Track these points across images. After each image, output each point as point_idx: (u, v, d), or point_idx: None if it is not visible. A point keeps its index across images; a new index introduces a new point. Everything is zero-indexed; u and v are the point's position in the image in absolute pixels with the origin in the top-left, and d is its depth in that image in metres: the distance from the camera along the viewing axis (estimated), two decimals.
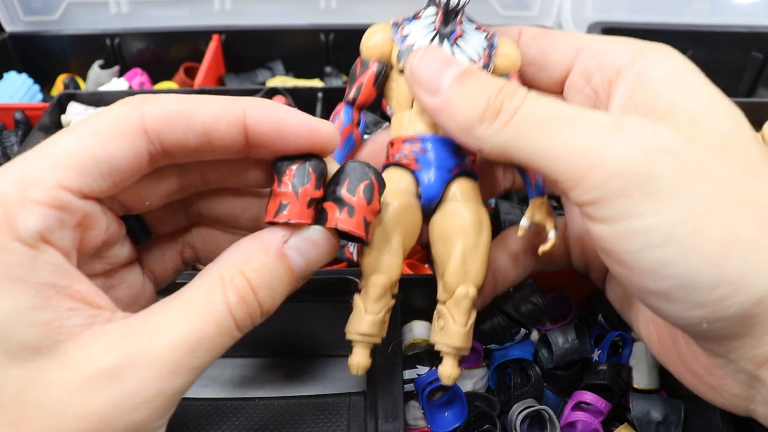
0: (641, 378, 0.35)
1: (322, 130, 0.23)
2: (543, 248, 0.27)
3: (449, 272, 0.25)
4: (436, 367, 0.33)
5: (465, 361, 0.36)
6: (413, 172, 0.25)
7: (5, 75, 0.62)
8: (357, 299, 0.26)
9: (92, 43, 0.64)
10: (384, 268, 0.25)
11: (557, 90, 0.27)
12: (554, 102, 0.21)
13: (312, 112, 0.57)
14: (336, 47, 0.64)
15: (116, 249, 0.24)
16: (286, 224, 0.22)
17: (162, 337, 0.20)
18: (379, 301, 0.25)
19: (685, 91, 0.22)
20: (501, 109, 0.21)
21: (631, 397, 0.33)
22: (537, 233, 0.28)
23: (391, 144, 0.26)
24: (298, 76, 0.66)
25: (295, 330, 0.37)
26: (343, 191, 0.23)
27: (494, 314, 0.35)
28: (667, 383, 0.35)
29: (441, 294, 0.26)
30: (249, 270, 0.21)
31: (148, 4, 0.65)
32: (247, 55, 0.66)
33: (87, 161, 0.20)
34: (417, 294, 0.36)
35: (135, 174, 0.22)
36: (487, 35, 0.26)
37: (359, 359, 0.26)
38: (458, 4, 0.24)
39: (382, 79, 0.26)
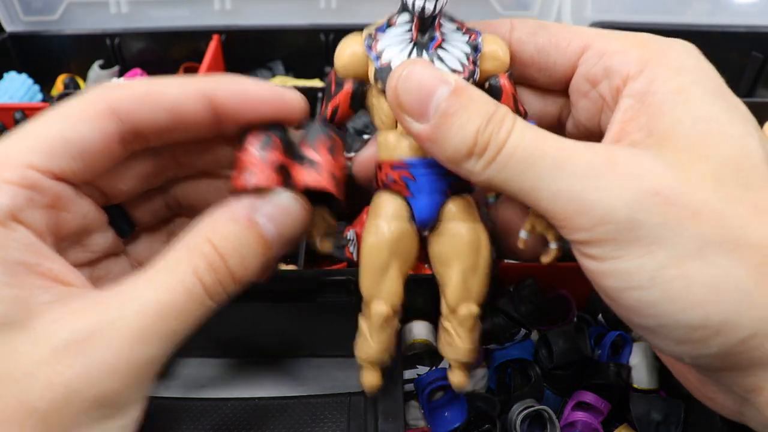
0: (641, 378, 0.35)
1: (287, 98, 0.23)
2: (545, 259, 0.26)
3: (450, 293, 0.25)
4: (436, 367, 0.33)
5: None
6: (405, 198, 0.24)
7: (5, 75, 0.62)
8: (362, 323, 0.26)
9: (92, 43, 0.64)
10: (384, 295, 0.24)
11: (560, 88, 0.26)
12: (540, 136, 0.20)
13: (312, 112, 0.56)
14: (336, 47, 0.64)
15: (98, 238, 0.25)
16: (253, 190, 0.22)
17: (129, 306, 0.20)
18: (384, 330, 0.25)
19: (686, 112, 0.20)
20: (488, 145, 0.20)
21: (631, 397, 0.33)
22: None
23: (379, 167, 0.25)
24: (298, 76, 0.66)
25: (295, 330, 0.37)
26: (306, 150, 0.23)
27: (494, 314, 0.35)
28: (667, 383, 0.35)
29: (444, 310, 0.26)
30: (217, 238, 0.21)
31: (148, 4, 0.65)
32: (247, 55, 0.66)
33: (56, 142, 0.20)
34: (417, 294, 0.36)
35: (107, 156, 0.22)
36: (470, 37, 0.24)
37: (371, 380, 0.26)
38: (434, 9, 0.22)
39: (359, 98, 0.25)
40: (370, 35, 0.24)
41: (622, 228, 0.19)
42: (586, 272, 0.21)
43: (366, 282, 0.24)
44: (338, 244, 0.46)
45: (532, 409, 0.32)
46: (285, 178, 0.23)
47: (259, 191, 0.22)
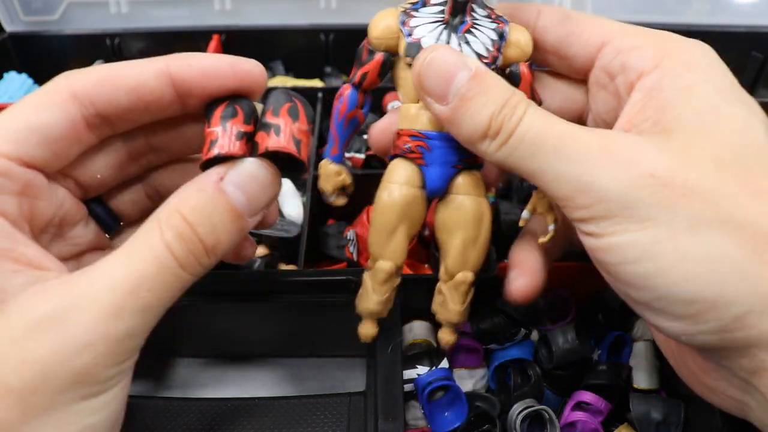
0: (641, 378, 0.35)
1: (247, 69, 0.24)
2: (542, 240, 0.28)
3: (450, 261, 0.27)
4: (436, 367, 0.33)
5: (465, 361, 0.36)
6: (419, 166, 0.26)
7: (5, 75, 0.62)
8: (366, 277, 0.28)
9: (92, 43, 0.64)
10: (389, 254, 0.26)
11: (579, 77, 0.27)
12: (549, 121, 0.22)
13: (312, 112, 0.56)
14: (336, 47, 0.64)
15: (79, 230, 0.25)
16: (220, 160, 0.22)
17: (100, 282, 0.20)
18: (385, 284, 0.27)
19: (692, 105, 0.21)
20: (501, 128, 0.22)
21: (631, 397, 0.33)
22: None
23: (398, 135, 0.26)
24: (298, 76, 0.66)
25: (295, 330, 0.37)
26: (268, 116, 0.23)
27: (494, 314, 0.35)
28: (667, 383, 0.35)
29: (442, 274, 0.28)
30: (185, 209, 0.21)
31: (148, 4, 0.65)
32: (247, 55, 0.65)
33: (22, 129, 0.21)
34: (417, 294, 0.36)
35: (74, 141, 0.22)
36: (498, 25, 0.25)
37: (368, 330, 0.29)
38: None
39: (387, 68, 0.27)
40: (404, 11, 0.26)
41: (618, 206, 0.20)
42: (587, 248, 0.22)
43: (374, 241, 0.27)
44: (338, 244, 0.46)
45: (532, 409, 0.32)
46: (251, 146, 0.23)
47: (225, 161, 0.22)
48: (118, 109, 0.23)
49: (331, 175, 0.28)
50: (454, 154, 0.25)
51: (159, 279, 0.20)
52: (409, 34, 0.25)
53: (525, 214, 0.28)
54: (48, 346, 0.19)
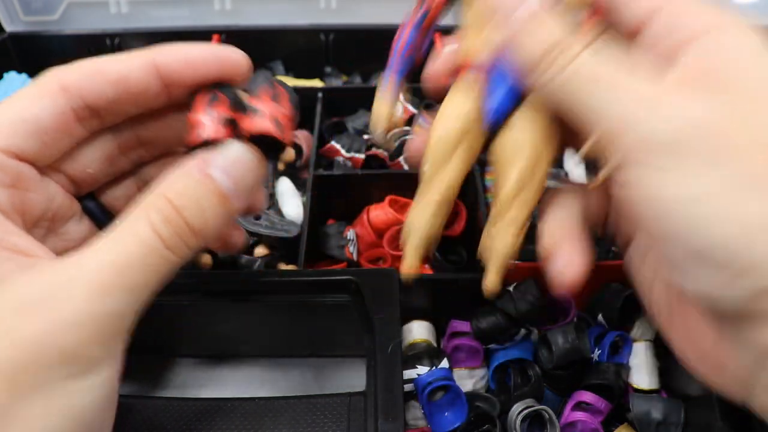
0: (641, 378, 0.35)
1: (227, 55, 0.24)
2: (591, 186, 0.27)
3: (505, 194, 0.26)
4: (436, 367, 0.33)
5: (465, 361, 0.36)
6: (481, 93, 0.26)
7: (5, 75, 0.62)
8: (414, 203, 0.28)
9: (92, 43, 0.64)
10: (444, 179, 0.26)
11: (629, 38, 0.26)
12: (605, 61, 0.22)
13: (312, 112, 0.57)
14: (336, 47, 0.64)
15: (72, 226, 0.25)
16: (205, 145, 0.23)
17: (88, 264, 0.20)
18: (439, 211, 0.27)
19: (748, 69, 0.21)
20: (555, 62, 0.22)
21: (631, 397, 0.33)
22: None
23: (461, 64, 0.26)
24: (298, 76, 0.66)
25: (295, 330, 0.37)
26: (251, 101, 0.24)
27: (494, 314, 0.35)
28: (667, 383, 0.35)
29: (493, 212, 0.27)
30: (171, 193, 0.22)
31: (148, 4, 0.65)
32: (247, 55, 0.66)
33: (13, 122, 0.21)
34: (417, 294, 0.36)
35: (64, 133, 0.23)
36: None
37: (410, 265, 0.29)
38: None
39: (452, 3, 0.27)
40: None
41: (661, 155, 0.20)
42: (626, 199, 0.22)
43: (430, 164, 0.26)
44: (338, 244, 0.46)
45: (532, 409, 0.32)
46: (235, 131, 0.23)
47: (210, 146, 0.23)
48: (106, 101, 0.23)
49: (387, 105, 0.29)
50: (515, 87, 0.25)
51: (146, 260, 0.21)
52: None
53: (602, 175, 0.26)
54: (36, 325, 0.19)
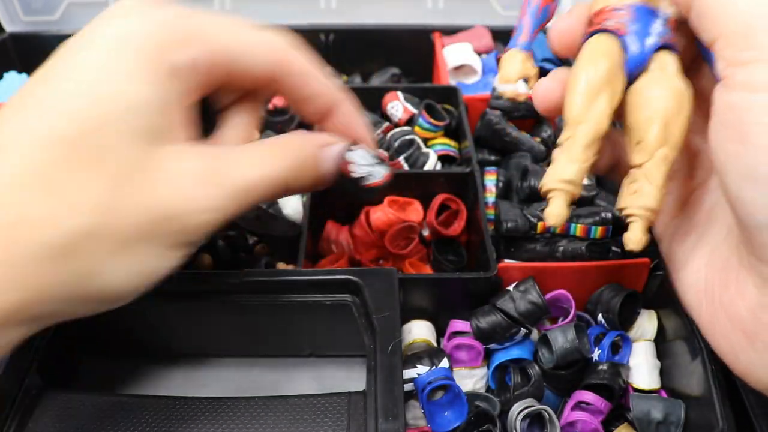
0: (641, 378, 0.35)
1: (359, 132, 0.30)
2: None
3: (650, 134, 0.25)
4: (436, 366, 0.33)
5: (465, 361, 0.36)
6: (621, 38, 0.25)
7: (5, 75, 0.62)
8: (557, 151, 0.25)
9: None
10: (593, 118, 0.25)
11: None
12: None
13: None
14: (336, 47, 0.64)
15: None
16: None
17: (241, 169, 0.25)
18: (587, 149, 0.25)
19: None
20: None
21: (631, 397, 0.33)
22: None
23: (596, 13, 0.26)
24: None
25: (295, 330, 0.37)
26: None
27: (494, 314, 0.35)
28: (667, 383, 0.35)
29: (637, 158, 0.25)
30: (298, 152, 0.27)
31: None
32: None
33: (226, 57, 0.26)
34: (417, 294, 0.36)
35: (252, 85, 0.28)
36: None
37: (558, 210, 0.25)
38: None
39: None
40: None
41: None
42: (727, 110, 0.21)
43: (576, 103, 0.25)
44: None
45: (532, 409, 0.32)
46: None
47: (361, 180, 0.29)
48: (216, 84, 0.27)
49: (519, 61, 0.28)
50: (658, 28, 0.25)
51: (270, 188, 0.26)
52: None
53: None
54: (193, 195, 0.24)
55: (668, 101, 0.25)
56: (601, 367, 0.34)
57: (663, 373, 0.35)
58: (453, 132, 0.52)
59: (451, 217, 0.46)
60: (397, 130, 0.52)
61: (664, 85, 0.25)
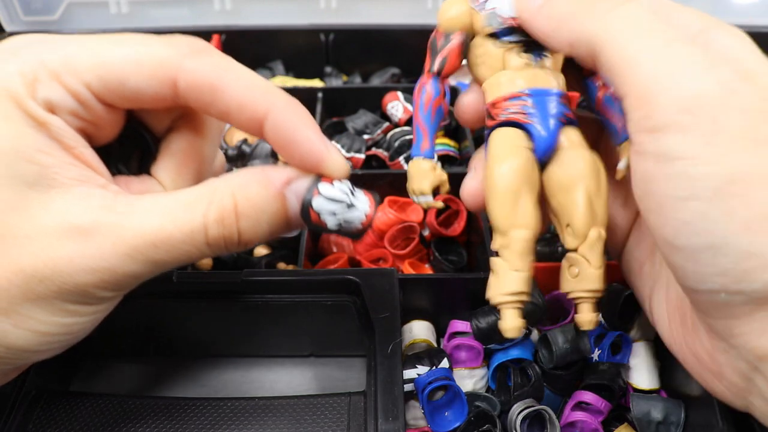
0: (641, 378, 0.35)
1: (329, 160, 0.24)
2: (618, 175, 0.26)
3: (578, 218, 0.25)
4: (436, 367, 0.33)
5: (465, 361, 0.36)
6: (524, 127, 0.25)
7: None
8: (496, 261, 0.25)
9: None
10: (522, 221, 0.24)
11: None
12: (655, 7, 0.21)
13: (312, 112, 0.56)
14: (336, 47, 0.64)
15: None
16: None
17: (134, 222, 0.21)
18: (525, 256, 0.24)
19: (754, 56, 0.20)
20: (596, 5, 0.21)
21: (631, 397, 0.33)
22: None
23: (493, 105, 0.26)
24: (298, 76, 0.66)
25: (295, 330, 0.37)
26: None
27: (494, 314, 0.35)
28: (667, 383, 0.35)
29: (570, 242, 0.25)
30: (241, 196, 0.22)
31: (148, 4, 0.65)
32: (247, 55, 0.65)
33: (116, 76, 0.22)
34: (417, 294, 0.36)
35: (155, 104, 0.24)
36: None
37: (512, 323, 0.25)
38: None
39: (466, 50, 0.27)
40: None
41: (707, 119, 0.18)
42: (642, 179, 0.20)
43: (501, 213, 0.24)
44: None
45: (532, 409, 0.32)
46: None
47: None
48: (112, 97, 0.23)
49: (427, 171, 0.27)
50: (557, 108, 0.25)
51: (182, 246, 0.22)
52: (483, 7, 0.26)
53: (622, 164, 0.26)
54: (67, 253, 0.21)
55: (586, 180, 0.25)
56: (601, 367, 0.34)
57: (663, 373, 0.35)
58: (453, 132, 0.52)
59: (451, 217, 0.46)
60: (397, 130, 0.52)
61: (577, 165, 0.25)
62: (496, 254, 0.25)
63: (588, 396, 0.33)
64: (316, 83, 0.63)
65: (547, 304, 0.34)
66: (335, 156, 0.24)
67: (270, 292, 0.34)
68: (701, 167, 0.18)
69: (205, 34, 0.64)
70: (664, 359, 0.36)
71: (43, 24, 0.65)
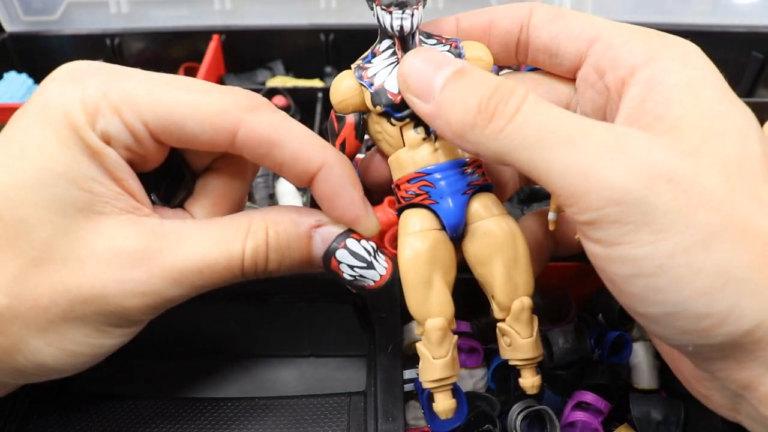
0: (641, 378, 0.35)
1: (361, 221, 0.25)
2: (551, 226, 0.27)
3: (499, 292, 0.25)
4: None
5: (465, 361, 0.36)
6: (430, 207, 0.25)
7: (5, 75, 0.62)
8: (420, 347, 0.25)
9: (92, 43, 0.64)
10: (435, 309, 0.24)
11: (569, 76, 0.26)
12: (554, 112, 0.20)
13: (312, 112, 0.57)
14: (336, 47, 0.64)
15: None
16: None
17: (182, 249, 0.23)
18: (443, 343, 0.25)
19: (696, 105, 0.20)
20: (495, 114, 0.20)
21: (631, 397, 0.33)
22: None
23: (397, 187, 0.25)
24: (298, 76, 0.66)
25: (295, 330, 0.37)
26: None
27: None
28: (667, 383, 0.35)
29: (497, 313, 0.26)
30: (273, 230, 0.24)
31: (148, 4, 0.65)
32: (247, 55, 0.66)
33: (175, 121, 0.23)
34: None
35: (210, 147, 0.24)
36: (451, 46, 0.25)
37: (444, 405, 0.26)
38: (411, 26, 0.23)
39: (362, 128, 0.26)
40: (358, 67, 0.25)
41: (633, 210, 0.19)
42: (592, 258, 0.21)
43: (413, 303, 0.25)
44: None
45: (532, 409, 0.32)
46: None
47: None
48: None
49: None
50: (460, 181, 0.24)
51: (221, 273, 0.23)
52: (371, 84, 0.24)
53: (551, 216, 0.26)
54: (116, 277, 0.22)
55: (503, 251, 0.24)
56: (601, 367, 0.34)
57: (663, 373, 0.35)
58: None
59: None
60: None
61: (491, 237, 0.25)
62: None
63: (588, 396, 0.33)
64: (316, 83, 0.63)
65: (547, 304, 0.34)
66: (372, 218, 0.25)
67: (270, 292, 0.34)
68: (640, 249, 0.19)
69: (205, 34, 0.64)
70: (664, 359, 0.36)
71: (43, 24, 0.65)
